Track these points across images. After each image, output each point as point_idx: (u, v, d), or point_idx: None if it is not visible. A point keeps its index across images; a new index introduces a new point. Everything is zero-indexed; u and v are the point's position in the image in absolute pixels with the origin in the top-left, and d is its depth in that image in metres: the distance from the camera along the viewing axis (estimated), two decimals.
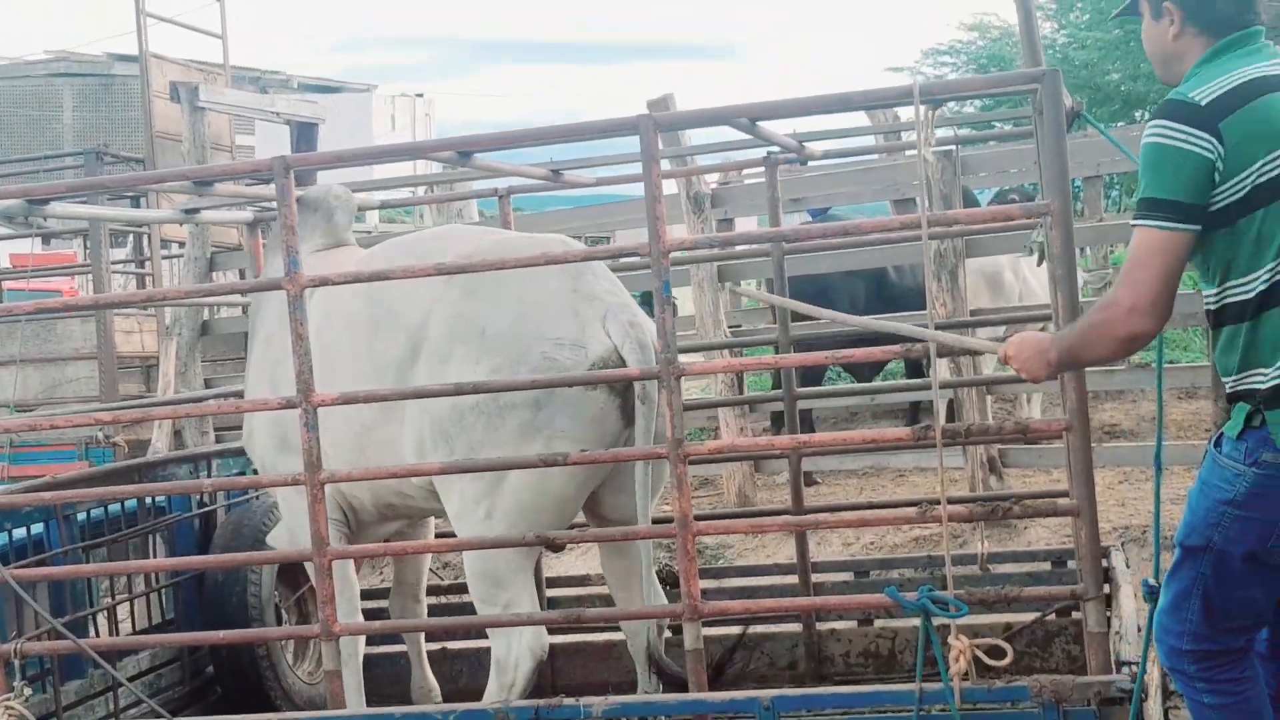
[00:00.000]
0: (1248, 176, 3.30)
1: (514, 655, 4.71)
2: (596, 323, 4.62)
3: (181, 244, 12.46)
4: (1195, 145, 3.30)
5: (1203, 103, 3.32)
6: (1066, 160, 4.00)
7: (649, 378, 4.14)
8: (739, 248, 7.93)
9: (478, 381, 4.36)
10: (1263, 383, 3.34)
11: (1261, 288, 3.34)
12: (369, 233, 16.85)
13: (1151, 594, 3.73)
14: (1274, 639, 3.67)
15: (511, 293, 4.67)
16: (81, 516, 5.27)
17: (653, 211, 4.02)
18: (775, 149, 5.77)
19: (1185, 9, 3.53)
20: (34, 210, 4.73)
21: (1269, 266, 3.33)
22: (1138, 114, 21.09)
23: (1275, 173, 3.31)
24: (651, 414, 4.55)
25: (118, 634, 5.49)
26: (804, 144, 5.59)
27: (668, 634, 6.01)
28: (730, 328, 9.89)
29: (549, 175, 5.99)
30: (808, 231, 4.50)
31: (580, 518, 5.00)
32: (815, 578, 5.96)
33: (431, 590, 6.36)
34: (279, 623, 5.83)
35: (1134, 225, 3.39)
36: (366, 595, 5.94)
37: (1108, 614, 4.59)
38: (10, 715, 4.41)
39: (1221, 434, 3.47)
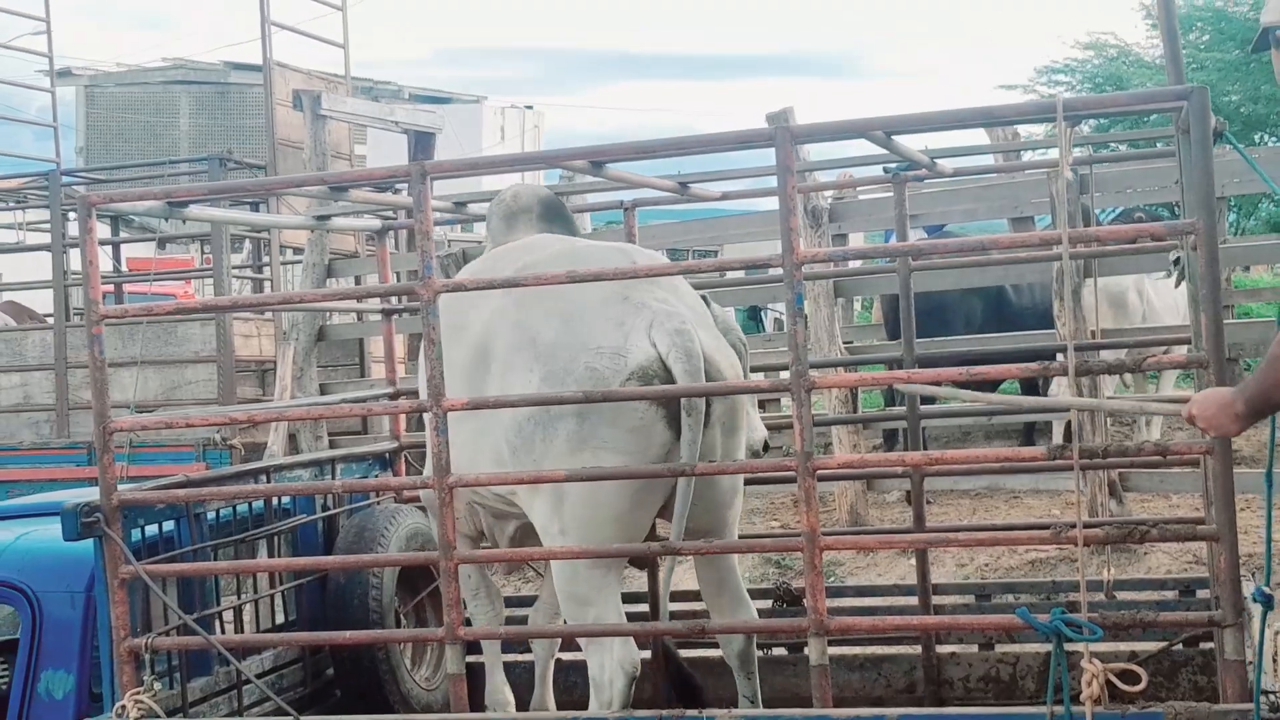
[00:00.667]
0: None
1: (608, 673, 4.70)
2: (641, 331, 4.56)
3: (298, 250, 12.64)
4: None
5: None
6: (1213, 179, 3.93)
7: (781, 391, 4.12)
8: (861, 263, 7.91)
9: (589, 391, 4.36)
10: None
11: None
12: (479, 242, 17.01)
13: (1266, 600, 3.64)
14: None
15: (562, 302, 4.66)
16: (210, 516, 5.33)
17: (787, 224, 4.00)
18: (902, 165, 5.73)
19: None
20: (174, 212, 4.80)
21: None
22: (1257, 136, 20.76)
23: None
24: (697, 427, 4.47)
25: (242, 633, 5.54)
26: (935, 160, 5.53)
27: (782, 650, 6.01)
28: (845, 343, 9.84)
29: (676, 188, 5.98)
30: (942, 246, 4.46)
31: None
32: (935, 599, 5.89)
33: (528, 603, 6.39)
34: (399, 627, 5.86)
35: None
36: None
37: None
38: (140, 709, 4.48)
39: None
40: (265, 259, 12.80)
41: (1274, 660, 4.73)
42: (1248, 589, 5.21)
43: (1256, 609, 4.92)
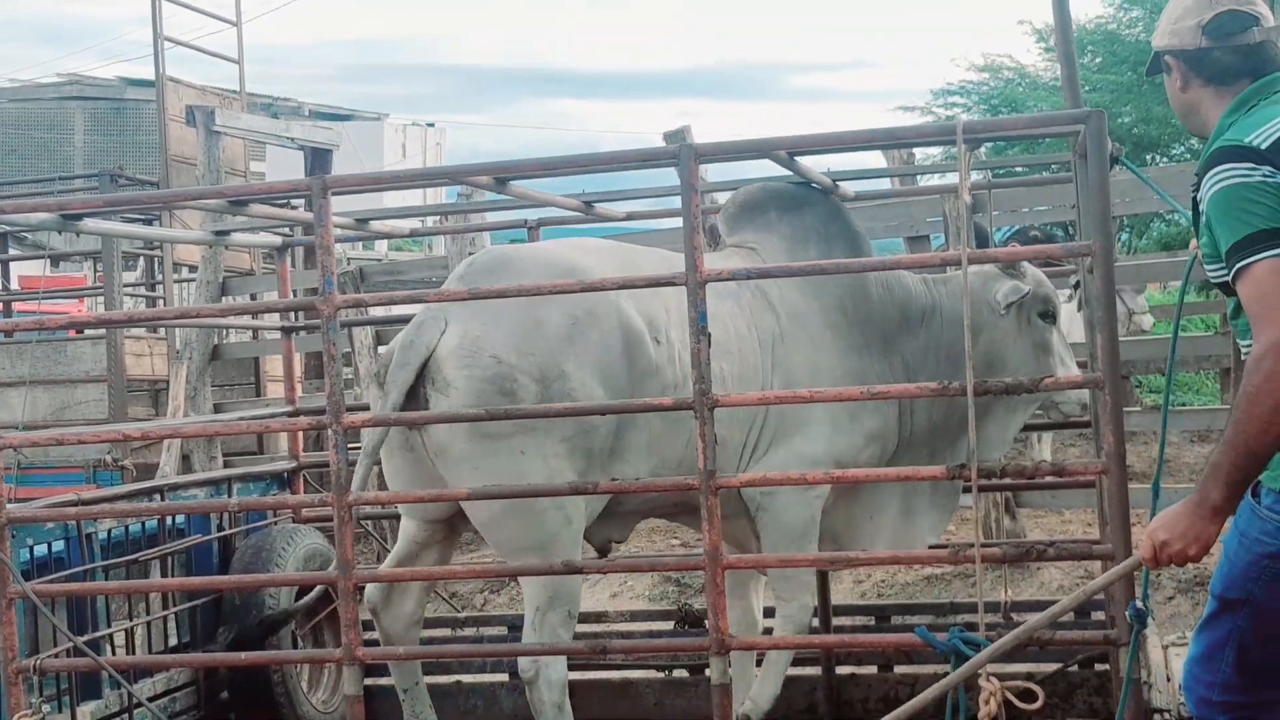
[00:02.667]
0: None
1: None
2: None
3: (193, 268, 12.46)
4: (1270, 178, 3.19)
5: (1262, 146, 3.23)
6: (1109, 202, 3.98)
7: (683, 408, 4.11)
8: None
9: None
10: None
11: None
12: (379, 260, 16.89)
13: (1138, 615, 3.67)
14: None
15: None
16: (102, 536, 5.23)
17: (691, 241, 4.01)
18: (799, 184, 5.76)
19: (1185, 62, 3.49)
20: (68, 225, 4.71)
21: None
22: (1149, 157, 21.12)
23: None
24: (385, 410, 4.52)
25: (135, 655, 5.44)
26: (837, 181, 5.56)
27: (683, 672, 6.00)
28: None
29: (581, 206, 5.96)
30: (846, 265, 4.47)
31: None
32: (836, 620, 5.92)
33: (444, 623, 6.33)
34: (296, 648, 5.78)
35: (1243, 266, 3.19)
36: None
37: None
38: None
39: (1259, 483, 3.33)
40: (159, 277, 12.59)
41: (1168, 680, 4.80)
42: (1153, 621, 5.28)
43: (1149, 632, 5.00)
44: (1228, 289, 3.32)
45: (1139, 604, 3.72)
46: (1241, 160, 3.23)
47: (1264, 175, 3.21)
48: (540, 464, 4.48)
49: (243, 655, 5.12)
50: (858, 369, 5.02)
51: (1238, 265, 3.18)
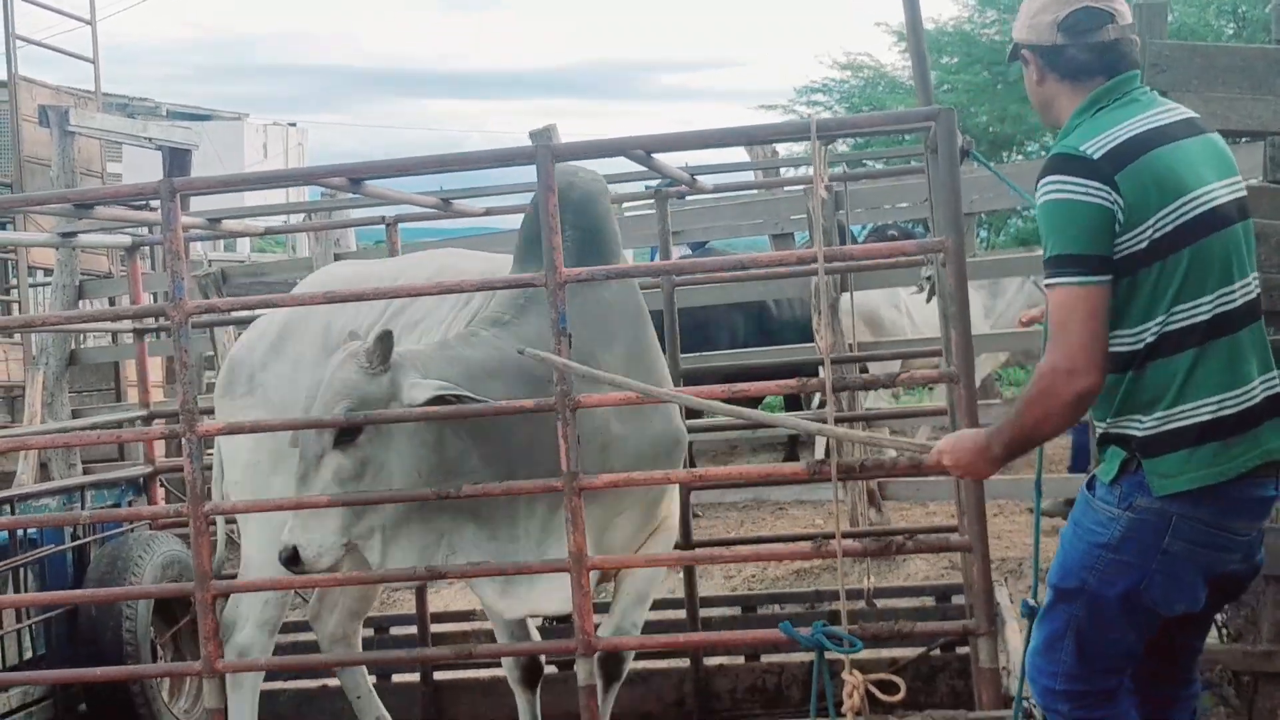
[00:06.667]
0: (1145, 230, 3.28)
1: None
2: None
3: (48, 271, 12.19)
4: (1095, 197, 3.27)
5: (1095, 156, 3.29)
6: (960, 197, 4.04)
7: (545, 410, 4.09)
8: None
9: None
10: (1139, 430, 3.35)
11: (1150, 339, 3.33)
12: (241, 261, 16.65)
13: (1030, 613, 3.75)
14: (1137, 672, 3.69)
15: None
16: None
17: (549, 242, 3.99)
18: (664, 182, 5.78)
19: (1041, 56, 3.54)
20: None
21: (1159, 319, 3.33)
22: (1005, 154, 21.48)
23: (1171, 227, 3.30)
24: None
25: None
26: (695, 177, 5.59)
27: (552, 669, 5.98)
28: None
29: (439, 204, 5.94)
30: (701, 265, 4.51)
31: None
32: (703, 612, 5.95)
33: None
34: (155, 659, 5.68)
35: (1049, 284, 3.31)
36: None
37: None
38: None
39: (1094, 477, 3.47)
40: (13, 280, 12.30)
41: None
42: (1001, 596, 5.38)
43: (1008, 619, 5.09)
44: None
45: (1030, 601, 3.79)
46: (1072, 173, 3.30)
47: (1089, 193, 3.27)
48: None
49: (98, 671, 5.01)
50: None
51: (1046, 281, 3.32)
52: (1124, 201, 3.27)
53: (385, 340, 4.20)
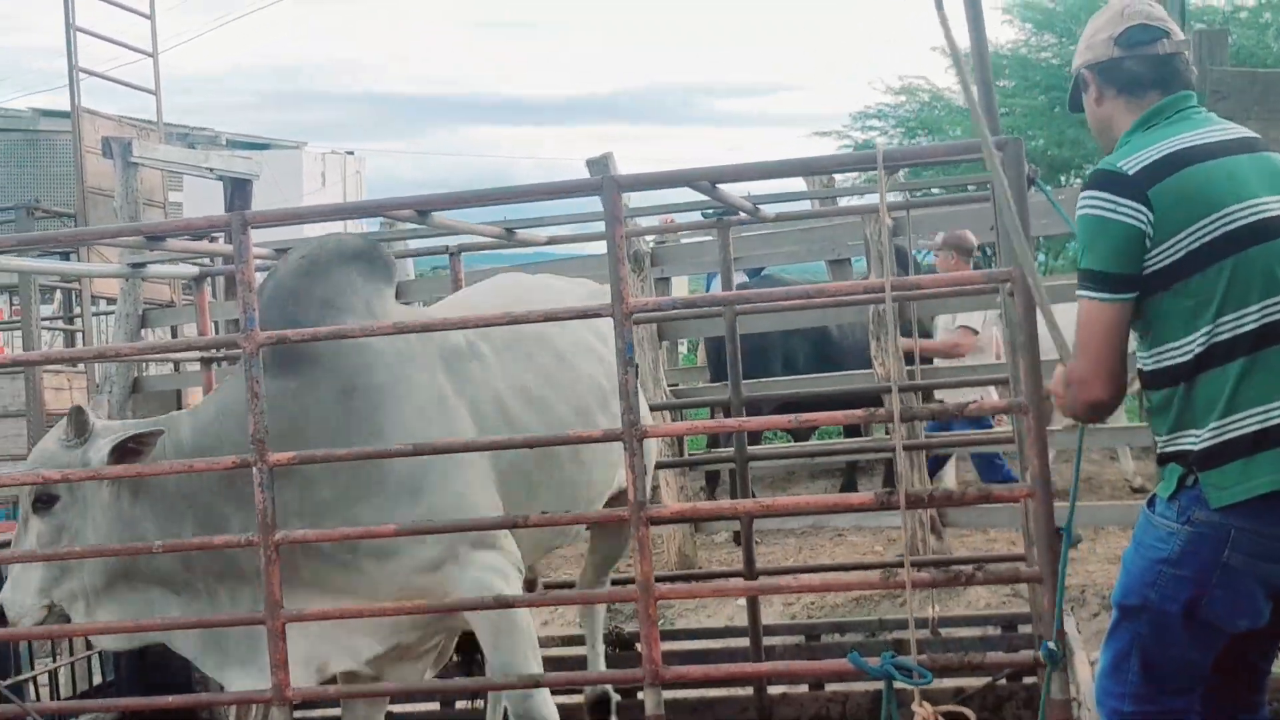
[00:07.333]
0: (1179, 243, 3.38)
1: None
2: None
3: (111, 301, 12.32)
4: (1125, 215, 3.39)
5: (1130, 172, 3.43)
6: (1028, 228, 4.02)
7: (614, 439, 4.10)
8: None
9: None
10: (1195, 444, 3.38)
11: (1199, 350, 3.38)
12: None
13: (1051, 656, 3.74)
14: (1204, 695, 3.66)
15: None
16: None
17: (616, 272, 4.00)
18: (721, 209, 5.79)
19: (1099, 74, 3.68)
20: None
21: (1204, 330, 3.38)
22: (1062, 179, 21.37)
23: (1207, 239, 3.38)
24: None
25: (58, 699, 5.36)
26: (758, 206, 5.60)
27: (619, 697, 5.98)
28: (669, 386, 9.87)
29: (502, 233, 5.98)
30: (769, 294, 4.50)
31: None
32: (766, 640, 5.93)
33: None
34: (223, 687, 5.70)
35: (1078, 295, 3.50)
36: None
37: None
38: None
39: (1154, 495, 3.53)
40: (77, 310, 12.44)
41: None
42: (1069, 625, 5.34)
43: (1076, 648, 5.05)
44: None
45: (1050, 645, 3.76)
46: (1107, 189, 3.45)
47: (1119, 211, 3.41)
48: None
49: (170, 699, 5.04)
50: None
51: (1077, 291, 3.51)
52: (1153, 216, 3.38)
53: (77, 415, 4.47)
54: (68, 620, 4.62)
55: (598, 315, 4.13)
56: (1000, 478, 9.16)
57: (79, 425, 4.45)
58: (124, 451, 4.40)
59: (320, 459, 4.24)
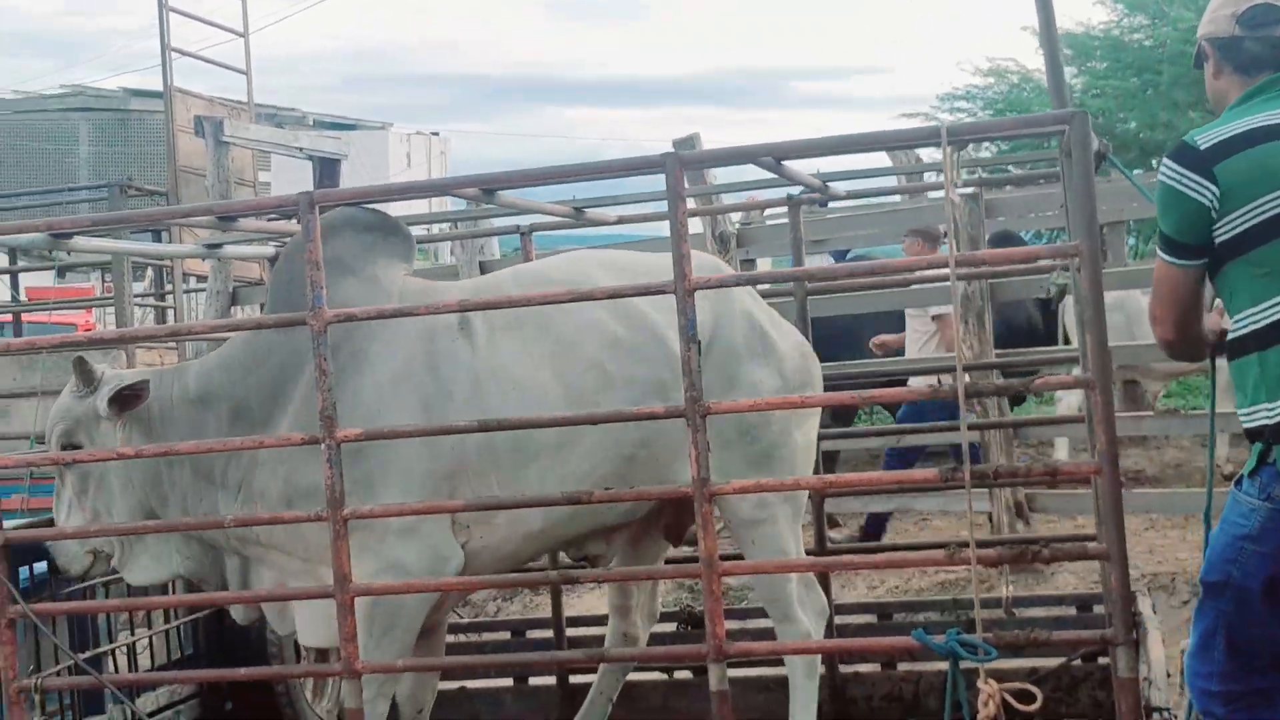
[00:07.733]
0: (1246, 214, 3.45)
1: None
2: None
3: (202, 278, 12.49)
4: (1189, 188, 3.50)
5: (1202, 146, 3.51)
6: (1095, 202, 3.97)
7: (676, 415, 4.10)
8: (763, 287, 7.90)
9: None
10: (1270, 418, 3.38)
11: (1274, 318, 3.39)
12: None
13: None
14: None
15: None
16: None
17: (678, 249, 4.00)
18: (798, 189, 5.76)
19: (1218, 49, 3.68)
20: (57, 244, 4.72)
21: (1275, 300, 3.43)
22: (1154, 162, 21.04)
23: (1273, 212, 3.44)
24: None
25: (137, 670, 5.45)
26: (827, 184, 5.56)
27: (688, 674, 5.99)
28: None
29: (571, 213, 5.99)
30: (832, 271, 4.49)
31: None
32: (839, 619, 5.91)
33: (451, 629, 6.33)
34: (298, 660, 5.79)
35: (1157, 256, 3.69)
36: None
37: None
38: None
39: (1241, 475, 3.54)
40: (168, 287, 12.61)
41: (1168, 676, 4.79)
42: (1144, 605, 5.28)
43: (1152, 626, 5.00)
44: None
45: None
46: (1179, 161, 3.56)
47: (1184, 184, 3.53)
48: None
49: (243, 671, 5.13)
50: None
51: (1154, 245, 3.71)
52: (1218, 190, 3.46)
53: (80, 365, 4.63)
54: (114, 573, 4.89)
55: (661, 292, 4.13)
56: (900, 466, 8.86)
57: (85, 376, 4.66)
58: (122, 400, 4.62)
59: (386, 435, 4.29)
